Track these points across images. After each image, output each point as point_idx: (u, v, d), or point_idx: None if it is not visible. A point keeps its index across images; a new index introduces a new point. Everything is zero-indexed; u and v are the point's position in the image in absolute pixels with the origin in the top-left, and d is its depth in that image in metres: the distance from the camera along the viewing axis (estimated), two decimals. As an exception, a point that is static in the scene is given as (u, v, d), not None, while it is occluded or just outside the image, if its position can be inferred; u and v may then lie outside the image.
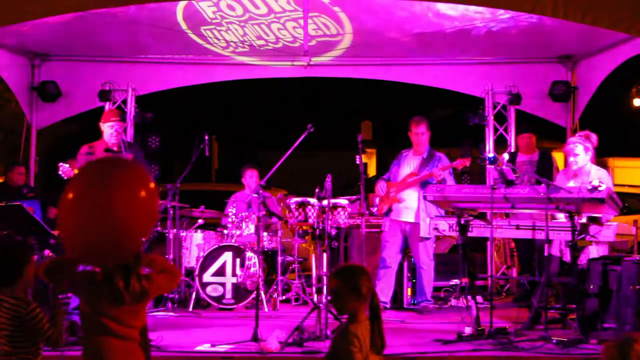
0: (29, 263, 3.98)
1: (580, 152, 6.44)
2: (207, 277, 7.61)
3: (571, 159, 6.47)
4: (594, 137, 6.56)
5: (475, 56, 9.30)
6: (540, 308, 6.07)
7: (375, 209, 7.74)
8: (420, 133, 7.61)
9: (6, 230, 6.78)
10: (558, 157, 8.47)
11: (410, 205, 7.50)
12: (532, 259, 7.74)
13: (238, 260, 7.56)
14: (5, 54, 8.80)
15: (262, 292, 7.11)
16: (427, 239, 7.45)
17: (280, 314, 7.25)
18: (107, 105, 9.10)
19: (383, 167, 8.03)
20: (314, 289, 7.68)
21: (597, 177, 6.38)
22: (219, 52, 9.21)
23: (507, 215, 7.45)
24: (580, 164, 6.44)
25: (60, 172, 6.44)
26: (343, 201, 7.08)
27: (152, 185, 3.15)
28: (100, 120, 6.91)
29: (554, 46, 8.92)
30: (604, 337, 5.69)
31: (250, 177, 8.55)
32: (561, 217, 6.26)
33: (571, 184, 6.44)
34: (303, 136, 6.87)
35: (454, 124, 12.64)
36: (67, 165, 6.46)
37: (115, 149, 6.69)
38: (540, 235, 6.02)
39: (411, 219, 7.48)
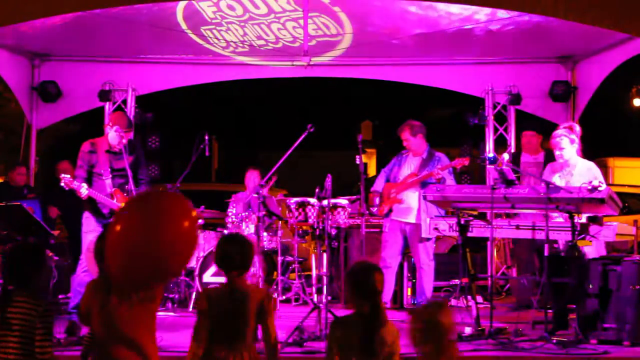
0: (44, 264, 3.98)
1: (566, 145, 6.35)
2: (207, 277, 7.61)
3: (557, 152, 6.40)
4: (577, 127, 6.50)
5: (475, 56, 9.30)
6: (558, 312, 6.06)
7: (375, 209, 7.74)
8: (404, 139, 7.62)
9: (6, 230, 6.78)
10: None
11: (410, 205, 7.49)
12: (530, 260, 7.72)
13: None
14: (5, 54, 8.79)
15: (262, 292, 7.11)
16: (428, 239, 7.45)
17: (280, 314, 7.25)
18: (107, 105, 9.10)
19: (383, 167, 8.02)
20: (314, 289, 7.68)
21: (586, 169, 6.34)
22: (219, 52, 9.21)
23: (507, 215, 7.42)
24: (567, 157, 6.36)
25: (62, 184, 6.40)
26: (343, 201, 7.08)
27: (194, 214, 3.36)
28: (108, 122, 6.83)
29: (554, 46, 8.92)
30: (604, 337, 5.71)
31: (248, 179, 8.55)
32: (554, 215, 6.22)
33: (556, 177, 6.41)
34: (303, 136, 6.87)
35: (454, 124, 12.64)
36: (69, 176, 6.43)
37: (116, 150, 6.65)
38: (540, 235, 6.01)
39: (412, 220, 7.47)
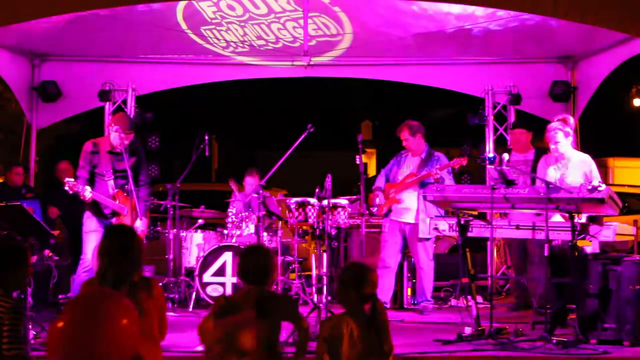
0: (20, 264, 3.99)
1: (561, 138, 6.37)
2: (207, 277, 7.61)
3: (552, 146, 6.42)
4: (571, 120, 6.52)
5: (475, 56, 9.30)
6: (556, 312, 6.05)
7: (375, 209, 7.74)
8: (403, 139, 7.62)
9: (6, 230, 6.77)
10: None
11: (409, 205, 7.50)
12: (524, 260, 7.67)
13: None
14: (5, 54, 8.79)
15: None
16: (427, 239, 7.45)
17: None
18: (107, 105, 9.09)
19: (383, 167, 8.02)
20: (314, 289, 7.68)
21: (580, 161, 6.34)
22: (219, 52, 9.21)
23: (499, 214, 7.37)
24: (562, 150, 6.39)
25: (66, 188, 6.37)
26: (343, 201, 7.08)
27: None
28: (110, 123, 6.80)
29: (554, 46, 8.92)
30: (604, 337, 5.70)
31: (247, 182, 8.54)
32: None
33: (551, 170, 6.41)
34: (303, 136, 6.88)
35: (454, 124, 12.65)
36: (72, 180, 6.41)
37: (118, 151, 6.64)
38: (540, 235, 6.00)
39: (411, 220, 7.48)
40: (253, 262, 3.97)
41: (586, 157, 6.45)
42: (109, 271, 3.77)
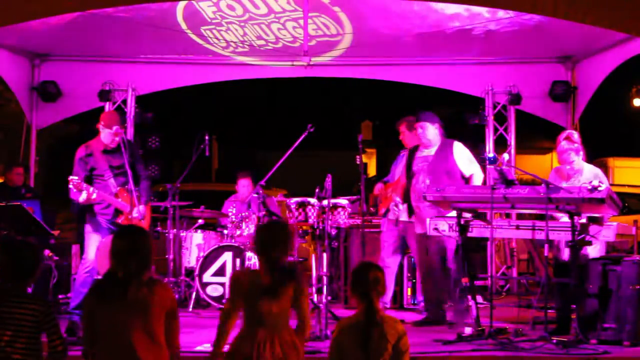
0: (39, 265, 4.01)
1: (574, 158, 6.38)
2: (207, 277, 7.61)
3: (567, 167, 6.43)
4: (576, 135, 6.51)
5: (475, 56, 9.30)
6: (563, 313, 6.04)
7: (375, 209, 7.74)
8: (401, 132, 7.61)
9: (6, 230, 6.77)
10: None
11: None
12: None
13: (238, 260, 7.56)
14: (5, 54, 8.79)
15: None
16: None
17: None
18: (107, 105, 9.09)
19: (383, 167, 8.04)
20: (314, 289, 7.67)
21: (593, 175, 6.35)
22: (219, 52, 9.22)
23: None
24: (577, 167, 6.41)
25: (70, 186, 6.27)
26: (343, 201, 7.08)
27: None
28: (99, 123, 6.71)
29: (554, 46, 8.93)
30: (604, 337, 5.70)
31: (241, 186, 8.54)
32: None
33: (564, 185, 6.40)
34: (303, 136, 6.88)
35: (454, 124, 12.64)
36: (77, 178, 6.30)
37: (110, 148, 6.56)
38: (540, 235, 6.00)
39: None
40: (267, 235, 4.09)
41: (598, 172, 6.43)
42: (118, 271, 3.76)
